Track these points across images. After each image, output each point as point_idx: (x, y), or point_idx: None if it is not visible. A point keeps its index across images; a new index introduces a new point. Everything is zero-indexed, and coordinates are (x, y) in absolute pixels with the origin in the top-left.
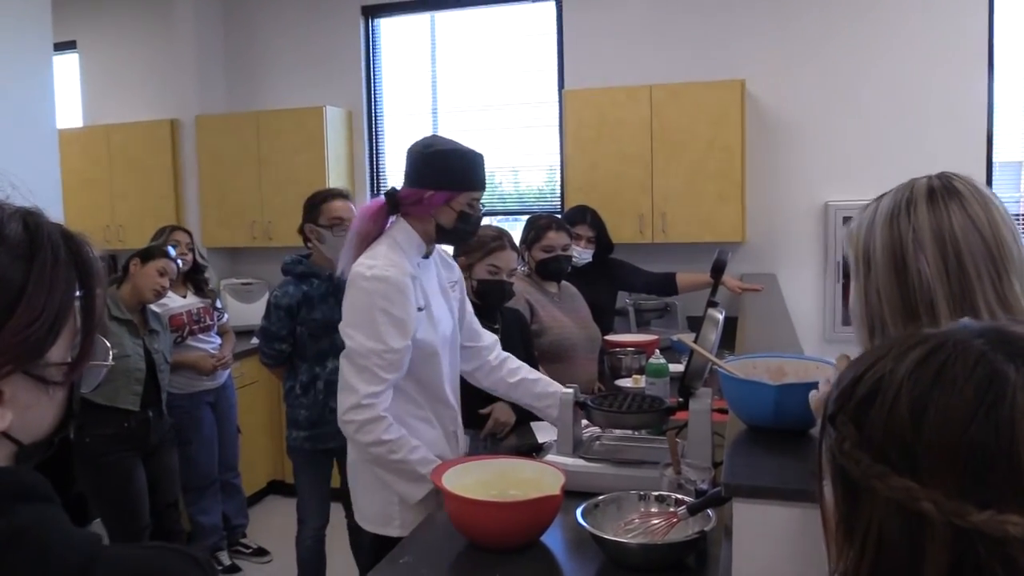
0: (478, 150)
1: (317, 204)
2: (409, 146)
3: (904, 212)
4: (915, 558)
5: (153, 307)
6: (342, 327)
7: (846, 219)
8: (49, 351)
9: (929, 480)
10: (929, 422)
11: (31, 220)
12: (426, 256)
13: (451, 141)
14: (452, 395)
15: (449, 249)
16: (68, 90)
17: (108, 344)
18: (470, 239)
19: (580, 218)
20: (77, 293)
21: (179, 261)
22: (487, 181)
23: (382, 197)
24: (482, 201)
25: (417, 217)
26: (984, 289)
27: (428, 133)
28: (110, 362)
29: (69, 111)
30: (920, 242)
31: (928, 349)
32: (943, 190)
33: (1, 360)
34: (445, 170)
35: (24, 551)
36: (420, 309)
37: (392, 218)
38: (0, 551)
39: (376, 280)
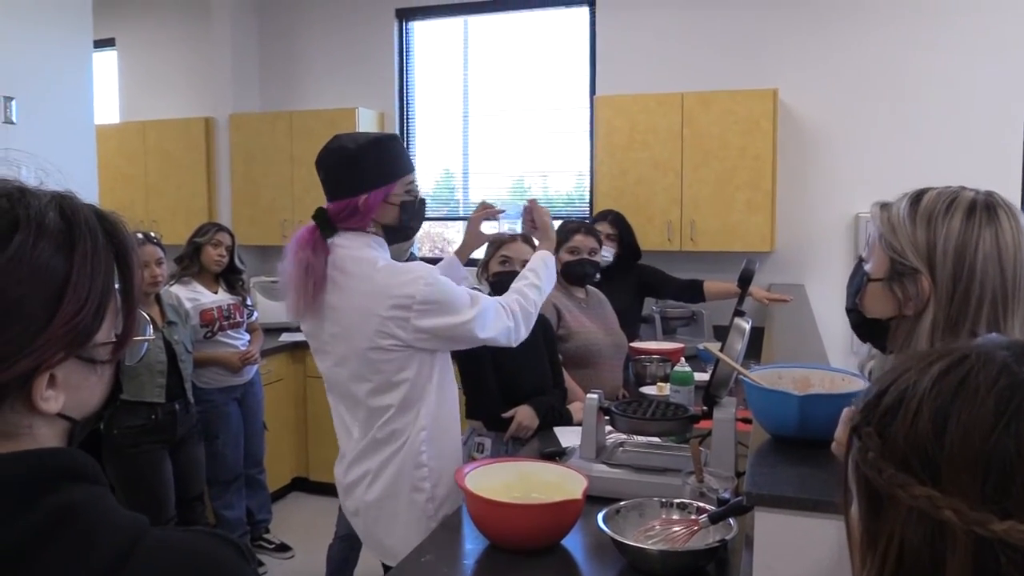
0: (390, 132)
1: None
2: (318, 159)
3: (941, 217)
4: (936, 567)
5: (184, 300)
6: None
7: None
8: (96, 334)
9: (951, 489)
10: (951, 432)
11: (67, 205)
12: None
13: (356, 135)
14: None
15: None
16: (106, 86)
17: (147, 317)
18: (417, 228)
19: (600, 216)
20: (116, 274)
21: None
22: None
23: (309, 224)
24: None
25: (360, 226)
26: (977, 322)
27: (459, 137)
28: (151, 336)
29: (107, 107)
30: (944, 252)
31: (951, 361)
32: (984, 210)
33: (54, 349)
34: (369, 166)
35: (73, 529)
36: None
37: (334, 240)
38: (50, 527)
39: (417, 275)
